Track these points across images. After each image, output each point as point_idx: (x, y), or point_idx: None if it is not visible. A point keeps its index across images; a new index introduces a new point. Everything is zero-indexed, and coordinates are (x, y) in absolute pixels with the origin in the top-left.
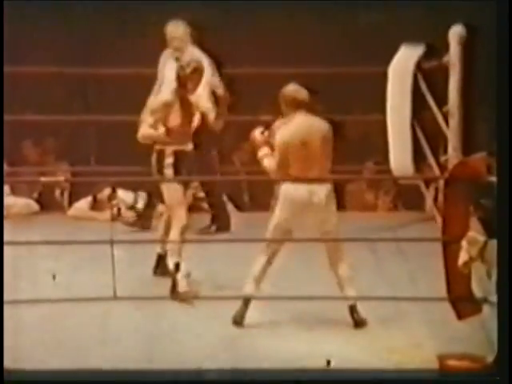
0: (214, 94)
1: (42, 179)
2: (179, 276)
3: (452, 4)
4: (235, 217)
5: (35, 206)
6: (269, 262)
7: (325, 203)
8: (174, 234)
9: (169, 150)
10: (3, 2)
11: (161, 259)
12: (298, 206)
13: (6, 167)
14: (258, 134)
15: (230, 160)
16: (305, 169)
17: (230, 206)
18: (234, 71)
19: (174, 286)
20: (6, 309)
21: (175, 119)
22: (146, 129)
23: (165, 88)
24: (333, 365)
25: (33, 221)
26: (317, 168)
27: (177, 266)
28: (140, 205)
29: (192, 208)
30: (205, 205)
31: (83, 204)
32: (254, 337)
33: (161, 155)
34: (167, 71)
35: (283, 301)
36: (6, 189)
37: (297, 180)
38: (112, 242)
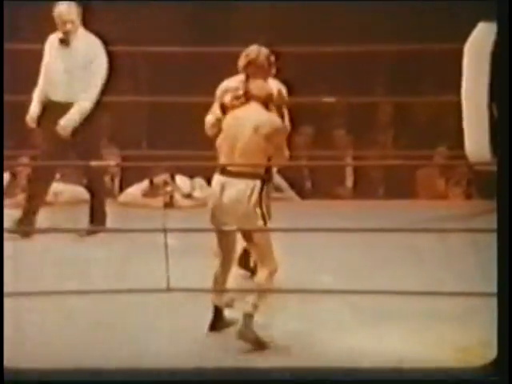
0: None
1: (92, 164)
2: None
3: None
4: (296, 205)
5: (85, 194)
6: (224, 266)
7: (236, 200)
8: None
9: None
10: (3, 2)
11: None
12: (211, 203)
13: None
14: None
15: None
16: (228, 160)
17: (291, 193)
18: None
19: None
20: (52, 299)
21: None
22: (210, 116)
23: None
24: (397, 362)
25: (82, 208)
26: (242, 160)
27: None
28: (197, 193)
29: None
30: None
31: (136, 190)
32: (315, 333)
33: None
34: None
35: (344, 295)
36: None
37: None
38: (165, 231)
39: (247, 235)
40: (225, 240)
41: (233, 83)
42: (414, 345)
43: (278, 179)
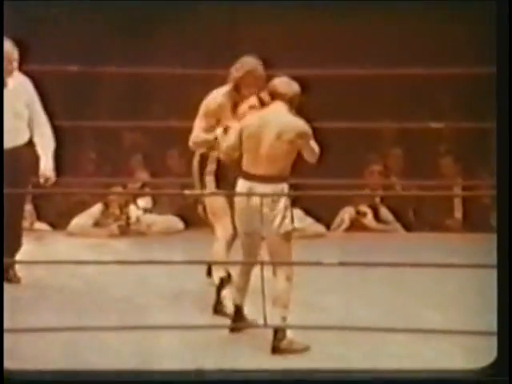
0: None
1: (186, 192)
2: (224, 293)
3: None
4: (402, 237)
5: (179, 224)
6: (246, 269)
7: (265, 205)
8: (220, 245)
9: (213, 155)
10: (3, 2)
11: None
12: (238, 205)
13: (147, 178)
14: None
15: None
16: (252, 164)
17: (397, 225)
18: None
19: (218, 302)
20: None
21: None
22: (199, 133)
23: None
24: None
25: (176, 238)
26: (266, 166)
27: (222, 281)
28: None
29: (353, 225)
30: (371, 223)
31: None
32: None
33: (203, 160)
34: None
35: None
36: (148, 202)
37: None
38: (262, 263)
39: (270, 239)
40: (249, 243)
41: (220, 98)
42: None
43: (383, 211)
